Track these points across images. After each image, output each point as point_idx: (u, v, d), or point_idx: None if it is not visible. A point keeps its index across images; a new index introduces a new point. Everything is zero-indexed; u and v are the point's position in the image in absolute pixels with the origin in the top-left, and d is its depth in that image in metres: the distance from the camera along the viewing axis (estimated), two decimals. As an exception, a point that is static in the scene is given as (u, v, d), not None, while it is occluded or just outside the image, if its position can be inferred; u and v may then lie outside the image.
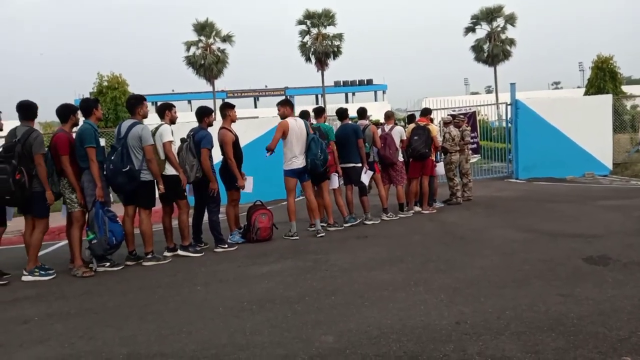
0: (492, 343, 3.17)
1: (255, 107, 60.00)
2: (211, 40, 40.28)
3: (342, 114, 8.05)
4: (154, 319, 4.06)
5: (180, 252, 6.30)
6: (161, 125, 6.11)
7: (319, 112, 7.96)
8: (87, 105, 5.84)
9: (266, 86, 62.55)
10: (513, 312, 3.68)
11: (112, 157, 5.65)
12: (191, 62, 40.16)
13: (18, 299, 4.86)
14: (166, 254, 6.26)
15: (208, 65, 39.70)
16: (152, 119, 6.22)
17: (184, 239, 6.33)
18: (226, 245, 6.52)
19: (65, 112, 5.70)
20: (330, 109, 8.42)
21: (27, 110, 5.50)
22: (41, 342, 3.71)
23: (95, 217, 5.56)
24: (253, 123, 12.36)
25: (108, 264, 5.76)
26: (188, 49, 40.23)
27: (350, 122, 8.01)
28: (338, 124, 8.36)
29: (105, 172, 5.71)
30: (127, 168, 5.62)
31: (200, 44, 40.25)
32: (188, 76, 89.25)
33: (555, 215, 7.82)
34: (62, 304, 4.61)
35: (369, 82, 62.13)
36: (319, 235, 7.02)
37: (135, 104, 5.97)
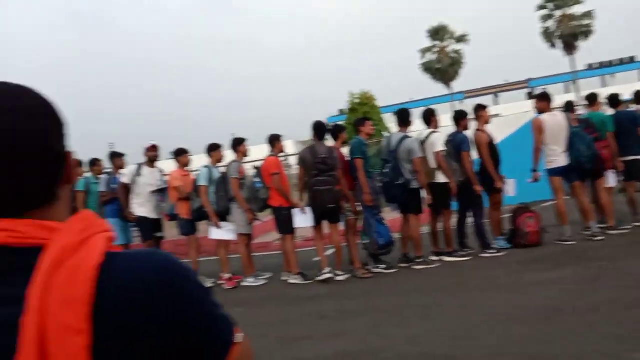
0: None
1: (496, 104, 57.26)
2: (445, 43, 40.31)
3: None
4: (434, 321, 4.22)
5: (445, 258, 6.40)
6: (432, 133, 6.33)
7: (592, 99, 7.13)
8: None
9: (506, 80, 59.00)
10: None
11: (387, 171, 6.16)
12: (427, 68, 40.85)
13: (314, 296, 5.58)
14: (432, 258, 6.43)
15: (444, 68, 39.83)
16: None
17: (448, 245, 6.44)
18: (493, 251, 6.37)
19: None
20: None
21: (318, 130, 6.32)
22: (337, 336, 4.18)
23: (366, 220, 6.11)
24: (496, 122, 11.72)
25: (383, 266, 6.21)
26: (423, 56, 41.03)
27: (623, 108, 7.00)
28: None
29: (382, 185, 6.27)
30: (401, 181, 6.02)
31: (435, 49, 40.62)
32: (424, 82, 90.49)
33: None
34: (348, 302, 5.13)
35: (632, 59, 53.14)
36: (597, 239, 6.29)
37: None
